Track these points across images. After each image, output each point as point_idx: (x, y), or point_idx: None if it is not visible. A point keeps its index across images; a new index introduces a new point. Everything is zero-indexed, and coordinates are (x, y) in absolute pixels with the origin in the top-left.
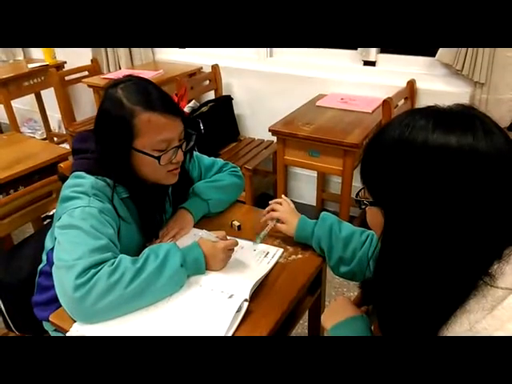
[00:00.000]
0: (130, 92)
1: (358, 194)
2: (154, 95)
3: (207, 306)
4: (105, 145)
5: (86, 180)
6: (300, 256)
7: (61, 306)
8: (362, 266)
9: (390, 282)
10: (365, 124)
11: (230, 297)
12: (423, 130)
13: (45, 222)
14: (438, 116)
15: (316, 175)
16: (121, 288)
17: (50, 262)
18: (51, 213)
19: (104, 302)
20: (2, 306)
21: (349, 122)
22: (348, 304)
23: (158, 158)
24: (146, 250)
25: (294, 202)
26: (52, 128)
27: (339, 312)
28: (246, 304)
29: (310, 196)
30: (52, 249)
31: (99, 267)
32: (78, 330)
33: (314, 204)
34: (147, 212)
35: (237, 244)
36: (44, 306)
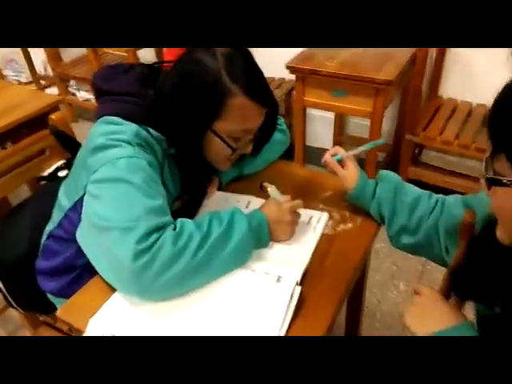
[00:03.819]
0: (234, 66)
1: (486, 168)
2: (257, 78)
3: (251, 294)
4: (177, 113)
5: (126, 127)
6: (350, 225)
7: (68, 279)
8: (430, 238)
9: None
10: (396, 57)
11: (278, 280)
12: None
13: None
14: None
15: (333, 116)
16: (188, 256)
17: (67, 226)
18: (46, 173)
19: (169, 274)
20: (1, 285)
21: (378, 55)
22: (443, 303)
23: (233, 148)
24: (206, 215)
25: (309, 147)
26: (37, 70)
27: (434, 315)
28: (298, 290)
29: (325, 139)
30: (72, 208)
31: (161, 232)
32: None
33: (330, 148)
34: (192, 174)
35: (302, 205)
36: (49, 276)
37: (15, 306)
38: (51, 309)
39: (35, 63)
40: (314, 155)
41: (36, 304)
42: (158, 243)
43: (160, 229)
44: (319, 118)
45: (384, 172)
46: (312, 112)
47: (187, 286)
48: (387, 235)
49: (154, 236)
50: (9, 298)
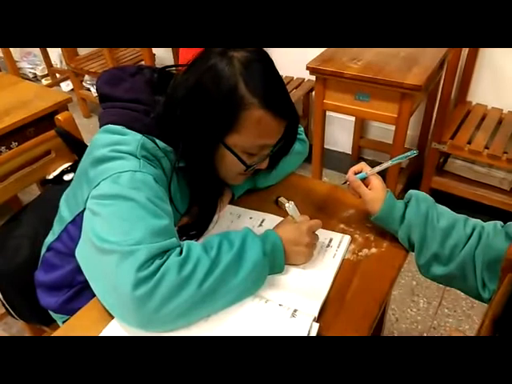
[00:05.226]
0: (254, 75)
1: None
2: (277, 87)
3: (263, 329)
4: (187, 123)
5: (131, 137)
6: (374, 250)
7: (68, 295)
8: (464, 269)
9: None
10: (425, 61)
11: (293, 315)
12: None
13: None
14: None
15: (354, 119)
16: (194, 285)
17: (67, 241)
18: (51, 176)
19: (173, 304)
20: (1, 297)
21: (405, 58)
22: None
23: (247, 165)
24: (216, 237)
25: (327, 150)
26: (53, 63)
27: None
28: (315, 327)
29: (345, 143)
30: (72, 222)
31: (165, 257)
32: None
33: (350, 152)
34: (203, 189)
35: (321, 225)
36: (48, 290)
37: (16, 316)
38: (52, 321)
39: (51, 56)
40: (332, 159)
41: (37, 316)
42: (162, 270)
43: (164, 253)
44: (339, 120)
45: (414, 192)
46: (331, 114)
47: (192, 317)
48: (416, 263)
49: (157, 262)
50: (9, 309)
